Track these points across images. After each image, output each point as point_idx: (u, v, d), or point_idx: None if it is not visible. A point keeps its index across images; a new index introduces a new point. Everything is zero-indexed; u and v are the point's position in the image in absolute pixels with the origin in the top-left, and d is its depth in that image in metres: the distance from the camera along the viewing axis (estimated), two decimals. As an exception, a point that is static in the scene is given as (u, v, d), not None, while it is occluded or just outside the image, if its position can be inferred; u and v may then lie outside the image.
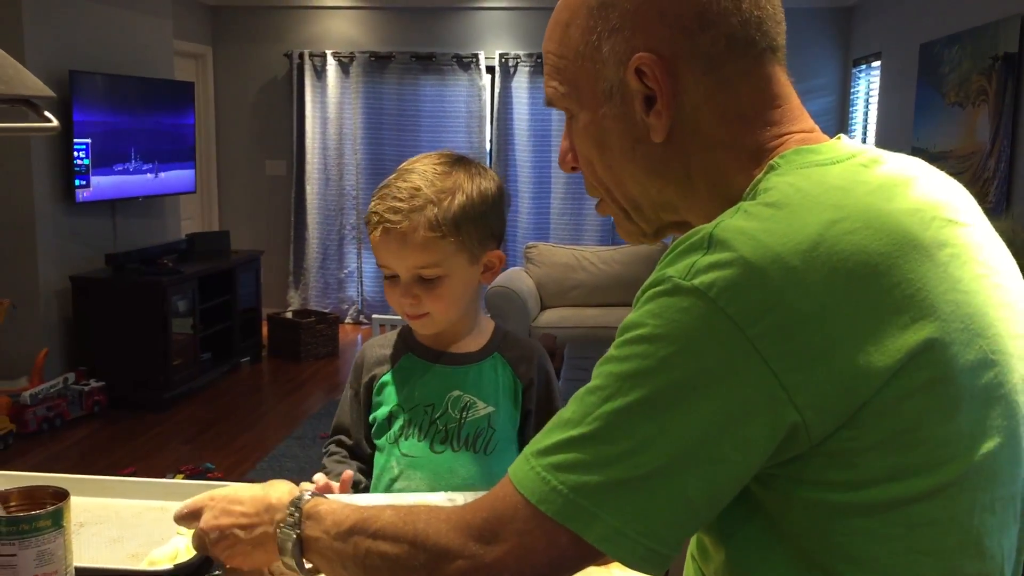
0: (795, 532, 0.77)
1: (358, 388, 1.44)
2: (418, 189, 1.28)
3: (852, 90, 6.55)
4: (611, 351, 0.77)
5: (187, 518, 1.07)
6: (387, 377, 1.40)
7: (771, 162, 0.82)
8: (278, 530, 0.97)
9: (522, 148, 7.06)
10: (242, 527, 1.01)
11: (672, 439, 0.72)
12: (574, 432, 0.76)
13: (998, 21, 4.29)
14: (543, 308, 5.77)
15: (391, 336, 1.45)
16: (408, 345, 1.42)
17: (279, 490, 1.03)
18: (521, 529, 0.77)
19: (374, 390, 1.41)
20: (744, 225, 0.74)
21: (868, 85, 6.38)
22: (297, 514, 0.95)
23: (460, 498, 1.20)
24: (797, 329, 0.70)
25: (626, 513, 0.74)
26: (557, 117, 6.96)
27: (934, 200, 0.81)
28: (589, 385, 0.78)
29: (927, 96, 5.10)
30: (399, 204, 1.28)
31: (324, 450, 1.46)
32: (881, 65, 6.04)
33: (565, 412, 0.79)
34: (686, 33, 0.83)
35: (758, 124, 0.85)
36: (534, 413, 1.41)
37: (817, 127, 0.88)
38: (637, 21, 0.83)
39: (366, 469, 1.42)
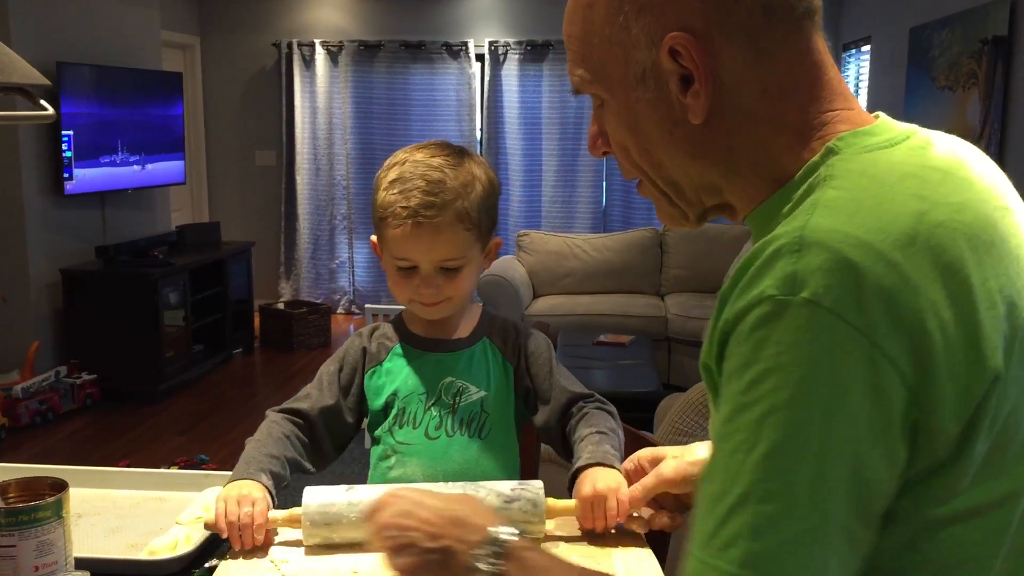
0: (879, 546, 0.71)
1: (344, 368, 1.40)
2: (443, 182, 1.29)
3: (842, 74, 6.53)
4: (732, 404, 0.70)
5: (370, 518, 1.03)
6: (381, 367, 1.40)
7: (829, 145, 0.78)
8: (472, 557, 0.92)
9: (513, 136, 7.05)
10: (426, 534, 0.96)
11: (830, 474, 0.66)
12: (728, 501, 0.68)
13: (987, 4, 4.30)
14: (535, 296, 5.77)
15: (381, 326, 1.45)
16: (401, 335, 1.42)
17: (472, 508, 1.00)
18: None
19: (366, 376, 1.40)
20: (834, 224, 0.70)
21: (858, 69, 6.38)
22: (499, 550, 0.91)
23: (460, 494, 1.19)
24: (916, 329, 0.67)
25: (805, 573, 0.66)
26: (548, 104, 6.95)
27: (990, 185, 0.79)
28: (723, 449, 0.70)
29: (917, 80, 5.10)
30: (432, 198, 1.28)
31: (267, 416, 1.36)
32: (871, 49, 6.05)
33: (710, 487, 0.71)
34: (720, 5, 0.78)
35: (801, 98, 0.81)
36: (534, 389, 1.41)
37: (856, 100, 0.85)
38: None
39: (307, 454, 1.35)
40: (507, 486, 1.21)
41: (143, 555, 1.15)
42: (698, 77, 0.79)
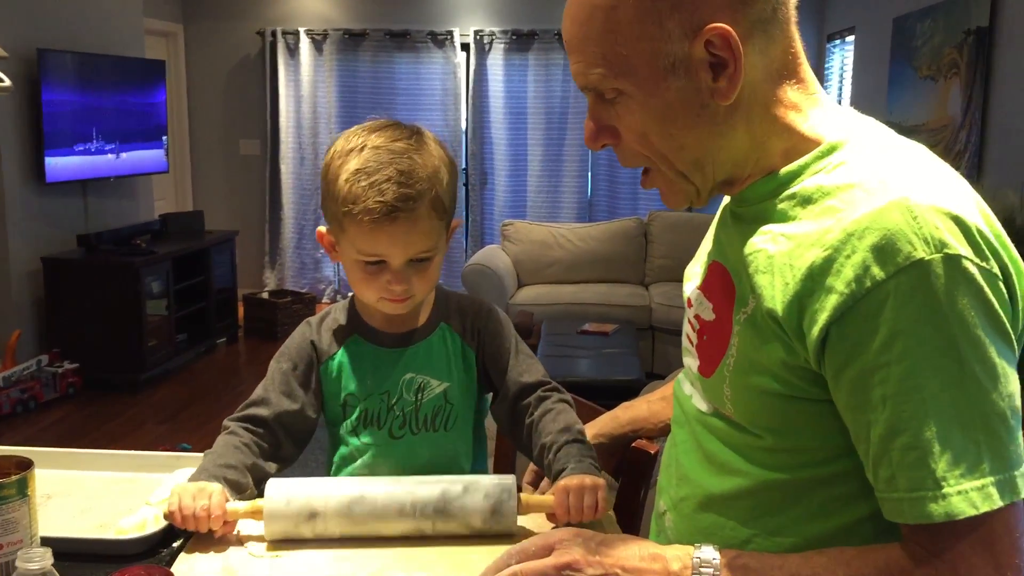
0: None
1: (299, 366, 1.33)
2: (413, 171, 1.20)
3: (826, 65, 6.56)
4: (929, 348, 0.82)
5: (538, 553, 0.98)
6: (333, 360, 1.33)
7: (844, 132, 0.95)
8: None
9: (498, 126, 7.04)
10: (626, 570, 0.93)
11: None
12: (979, 425, 0.83)
13: (970, -6, 4.32)
14: (520, 285, 5.78)
15: (331, 314, 1.37)
16: (354, 326, 1.34)
17: (657, 546, 0.97)
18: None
19: (321, 370, 1.34)
20: (928, 195, 0.84)
21: (842, 60, 6.40)
22: (713, 570, 0.91)
23: (431, 489, 1.15)
24: (1000, 251, 0.87)
25: None
26: (533, 93, 6.95)
27: None
28: (935, 388, 0.82)
29: (900, 70, 5.12)
30: (407, 190, 1.18)
31: (225, 427, 1.30)
32: (855, 40, 6.06)
33: (925, 430, 0.82)
34: (745, 2, 0.89)
35: (791, 80, 0.96)
36: (492, 370, 1.36)
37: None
38: None
39: (268, 459, 1.28)
40: (479, 480, 1.17)
41: (111, 535, 1.14)
42: (734, 64, 0.89)
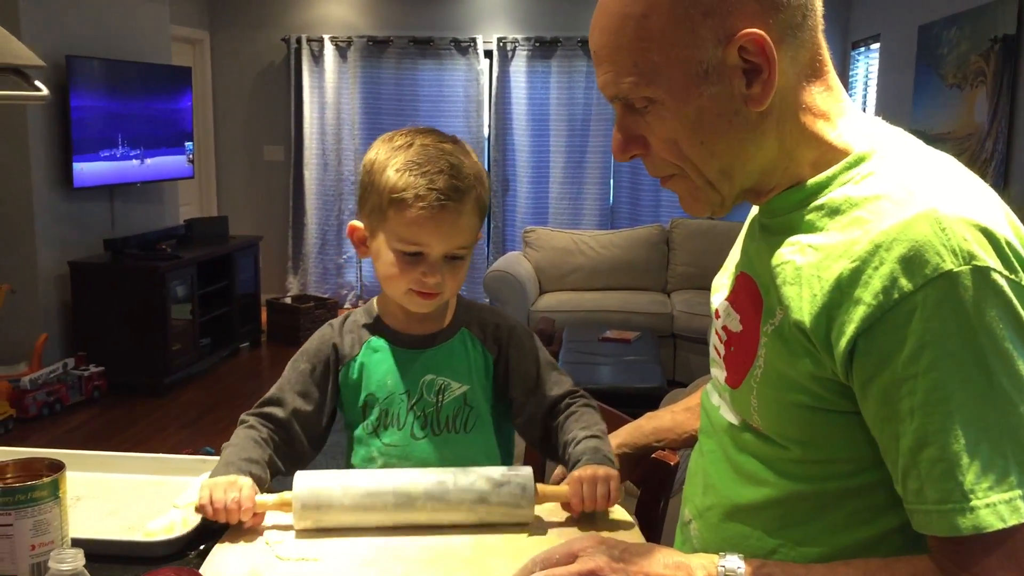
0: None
1: (317, 368, 1.36)
2: (462, 168, 1.26)
3: (851, 73, 6.53)
4: (952, 364, 0.81)
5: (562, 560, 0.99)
6: (354, 361, 1.35)
7: (873, 142, 0.95)
8: None
9: (520, 133, 7.05)
10: None
11: None
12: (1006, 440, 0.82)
13: (996, 2, 4.28)
14: (542, 292, 5.78)
15: (352, 316, 1.40)
16: (376, 328, 1.37)
17: (681, 555, 0.97)
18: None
19: (341, 373, 1.36)
20: (956, 207, 0.84)
21: (867, 68, 6.36)
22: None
23: (450, 479, 1.18)
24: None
25: None
26: (556, 100, 6.95)
27: None
28: (966, 402, 0.82)
29: (926, 78, 5.09)
30: (457, 183, 1.24)
31: (242, 421, 1.34)
32: (880, 47, 6.03)
33: (953, 443, 0.82)
34: (776, 8, 0.90)
35: (820, 87, 0.96)
36: (514, 393, 1.37)
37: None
38: (731, 1, 0.89)
39: (283, 457, 1.32)
40: (496, 471, 1.21)
41: (139, 537, 1.16)
42: (768, 69, 0.90)
